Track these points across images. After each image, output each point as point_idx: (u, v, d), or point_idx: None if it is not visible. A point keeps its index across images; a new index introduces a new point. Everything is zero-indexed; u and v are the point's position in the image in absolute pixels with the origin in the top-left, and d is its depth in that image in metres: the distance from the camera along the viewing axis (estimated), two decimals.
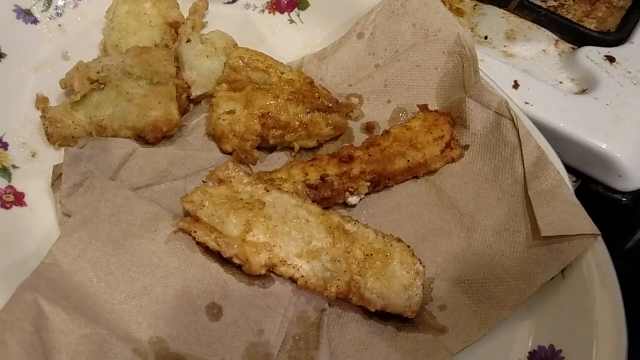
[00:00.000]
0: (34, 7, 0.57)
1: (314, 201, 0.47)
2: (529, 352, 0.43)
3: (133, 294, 0.41)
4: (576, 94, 0.58)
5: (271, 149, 0.53)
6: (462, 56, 0.53)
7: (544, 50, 0.61)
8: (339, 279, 0.44)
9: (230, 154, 0.52)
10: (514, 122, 0.50)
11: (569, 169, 0.56)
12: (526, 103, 0.55)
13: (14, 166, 0.49)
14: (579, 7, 0.66)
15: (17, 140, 0.51)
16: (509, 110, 0.50)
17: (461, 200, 0.50)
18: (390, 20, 0.55)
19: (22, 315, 0.37)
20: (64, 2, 0.58)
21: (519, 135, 0.50)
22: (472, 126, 0.52)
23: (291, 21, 0.61)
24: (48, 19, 0.58)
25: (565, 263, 0.44)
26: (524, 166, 0.49)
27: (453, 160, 0.52)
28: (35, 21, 0.57)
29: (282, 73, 0.54)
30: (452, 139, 0.52)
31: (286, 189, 0.47)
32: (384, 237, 0.45)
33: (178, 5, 0.58)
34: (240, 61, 0.53)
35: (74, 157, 0.47)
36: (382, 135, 0.52)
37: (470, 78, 0.52)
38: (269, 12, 0.61)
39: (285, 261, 0.44)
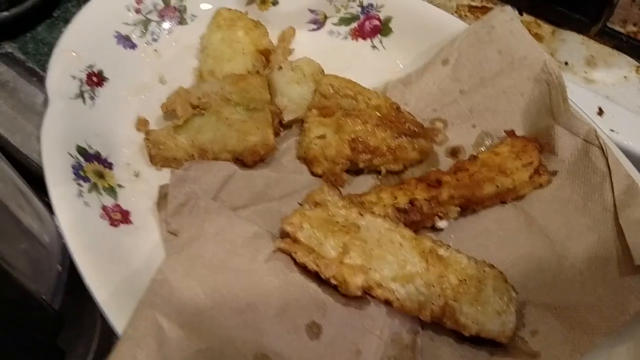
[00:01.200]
0: (133, 33, 0.60)
1: (404, 225, 0.49)
2: None
3: (238, 311, 0.44)
4: None
5: (358, 172, 0.55)
6: (549, 83, 0.54)
7: (625, 77, 0.61)
8: (433, 303, 0.45)
9: (320, 176, 0.54)
10: (603, 150, 0.50)
11: None
12: (612, 130, 0.55)
13: (119, 185, 0.52)
14: None
15: (121, 160, 0.54)
16: (598, 138, 0.51)
17: (551, 227, 0.51)
18: (476, 47, 0.57)
19: (146, 331, 0.39)
20: (159, 28, 0.62)
21: (608, 164, 0.50)
22: (560, 153, 0.53)
23: (374, 47, 0.63)
24: (145, 44, 0.61)
25: None
26: (613, 194, 0.49)
27: (541, 186, 0.53)
28: (133, 46, 0.60)
29: (369, 99, 0.56)
30: (541, 165, 0.53)
31: (377, 213, 0.49)
32: (476, 263, 0.47)
33: (268, 33, 0.61)
34: (330, 88, 0.55)
35: (180, 179, 0.49)
36: (469, 160, 0.53)
37: (559, 105, 0.52)
38: (352, 39, 0.63)
39: (381, 284, 0.45)
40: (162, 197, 0.50)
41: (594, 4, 0.62)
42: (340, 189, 0.53)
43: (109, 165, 0.53)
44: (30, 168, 0.57)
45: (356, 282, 0.45)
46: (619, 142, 0.54)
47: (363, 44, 0.63)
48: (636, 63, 0.62)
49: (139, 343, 0.38)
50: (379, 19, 0.62)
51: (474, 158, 0.53)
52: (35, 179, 0.50)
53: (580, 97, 0.57)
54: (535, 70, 0.55)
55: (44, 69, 0.57)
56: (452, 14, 0.66)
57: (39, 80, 0.62)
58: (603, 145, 0.50)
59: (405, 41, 0.62)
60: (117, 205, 0.51)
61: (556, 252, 0.49)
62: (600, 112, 0.56)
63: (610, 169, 0.50)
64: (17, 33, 0.66)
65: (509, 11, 0.56)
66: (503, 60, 0.56)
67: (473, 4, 0.67)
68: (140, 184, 0.53)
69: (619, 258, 0.47)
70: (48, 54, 0.57)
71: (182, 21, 0.63)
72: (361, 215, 0.47)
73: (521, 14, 0.66)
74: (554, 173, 0.53)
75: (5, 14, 0.63)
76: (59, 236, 0.49)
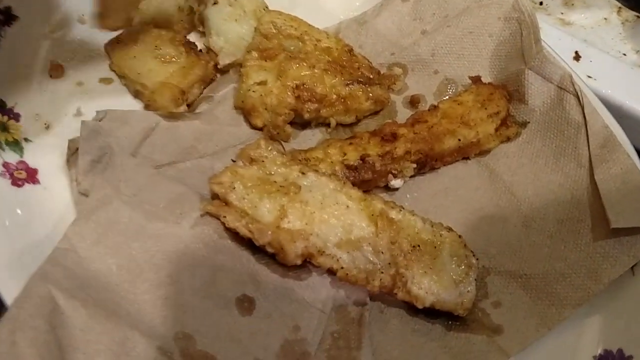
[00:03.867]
0: None
1: (353, 184, 0.43)
2: (595, 357, 0.39)
3: (158, 283, 0.37)
4: None
5: (305, 125, 0.49)
6: (521, 22, 0.48)
7: (605, 19, 0.55)
8: (382, 272, 0.39)
9: (260, 129, 0.47)
10: (578, 98, 0.45)
11: (637, 151, 0.51)
12: (589, 77, 0.49)
13: (26, 139, 0.45)
14: None
15: (30, 111, 0.47)
16: (573, 85, 0.45)
17: (518, 184, 0.45)
18: None
19: (35, 311, 0.33)
20: None
21: (584, 113, 0.44)
22: (531, 101, 0.47)
23: None
24: None
25: (638, 258, 0.39)
26: (589, 148, 0.44)
27: (509, 139, 0.47)
28: None
29: (318, 40, 0.49)
30: (508, 115, 0.47)
31: (323, 171, 0.43)
32: (432, 226, 0.41)
33: None
34: (272, 27, 0.48)
35: (92, 131, 0.42)
36: (429, 110, 0.47)
37: (531, 48, 0.46)
38: None
39: (324, 251, 0.39)
40: (72, 152, 0.43)
41: None
42: (283, 143, 0.47)
43: (15, 117, 0.46)
44: None
45: (295, 249, 0.39)
46: (597, 90, 0.49)
47: None
48: (617, 4, 0.56)
49: (22, 325, 0.32)
50: None
51: (434, 108, 0.47)
52: None
53: (555, 40, 0.51)
54: (505, 7, 0.48)
55: None
56: None
57: None
58: (579, 93, 0.45)
59: None
60: (22, 162, 0.44)
61: (522, 213, 0.44)
62: (577, 56, 0.50)
63: (586, 120, 0.44)
64: None
65: None
66: None
67: None
68: (51, 138, 0.46)
69: (593, 220, 0.42)
70: None
71: None
72: (303, 174, 0.41)
73: None
74: (524, 124, 0.48)
75: None
76: None
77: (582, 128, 0.44)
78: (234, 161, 0.42)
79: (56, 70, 0.49)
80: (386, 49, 0.51)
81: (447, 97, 0.50)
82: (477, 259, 0.40)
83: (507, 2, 0.48)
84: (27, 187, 0.43)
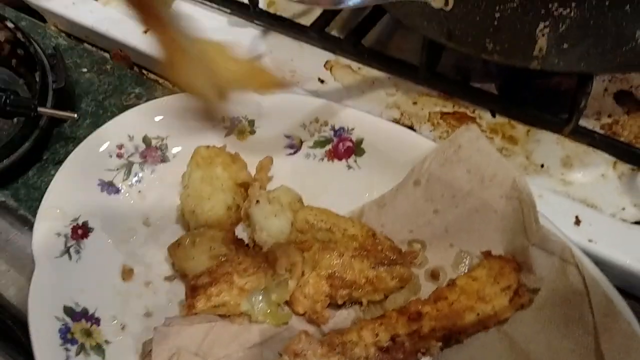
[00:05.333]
0: (116, 178, 0.63)
1: None
2: None
3: None
4: None
5: (340, 305, 0.56)
6: (521, 201, 0.54)
7: (602, 175, 0.61)
8: None
9: (302, 315, 0.54)
10: (578, 269, 0.50)
11: None
12: (590, 241, 0.55)
13: (106, 341, 0.54)
14: (635, 122, 0.66)
15: (107, 314, 0.55)
16: (574, 257, 0.51)
17: (534, 351, 0.50)
18: (445, 167, 0.57)
19: None
20: (142, 168, 0.64)
21: (585, 284, 0.50)
22: (538, 272, 0.53)
23: (349, 167, 0.64)
24: (129, 187, 0.63)
25: None
26: (593, 317, 0.49)
27: (523, 307, 0.52)
28: (117, 191, 0.63)
29: (345, 230, 0.57)
30: (520, 286, 0.53)
31: (358, 354, 0.49)
32: None
33: (246, 165, 0.63)
34: (305, 223, 0.56)
35: (163, 335, 0.50)
36: (448, 286, 0.54)
37: (532, 225, 0.53)
38: (328, 160, 0.65)
39: None
40: (147, 355, 0.51)
41: (564, 103, 0.63)
42: (323, 326, 0.54)
43: (97, 321, 0.55)
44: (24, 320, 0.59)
45: None
46: (598, 253, 0.54)
47: (339, 165, 0.64)
48: (612, 159, 0.62)
49: None
50: (351, 141, 0.64)
51: (452, 284, 0.53)
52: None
53: (556, 207, 0.57)
54: (506, 187, 0.55)
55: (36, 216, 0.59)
56: (425, 121, 0.68)
57: (31, 228, 0.64)
58: (578, 265, 0.50)
59: (379, 159, 0.63)
60: None
61: None
62: (578, 221, 0.56)
63: (588, 290, 0.49)
64: (9, 180, 0.69)
65: (474, 129, 0.57)
66: (473, 179, 0.56)
67: (445, 109, 0.68)
68: (126, 338, 0.54)
69: None
70: (39, 199, 0.60)
71: (164, 159, 0.65)
72: None
73: (494, 116, 0.67)
74: (535, 291, 0.53)
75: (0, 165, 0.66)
76: None
77: (585, 297, 0.49)
78: (280, 355, 0.49)
79: (127, 274, 0.58)
80: (405, 227, 0.58)
81: (464, 267, 0.56)
82: None
83: (507, 183, 0.55)
84: None
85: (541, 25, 0.49)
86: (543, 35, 0.50)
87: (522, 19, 0.49)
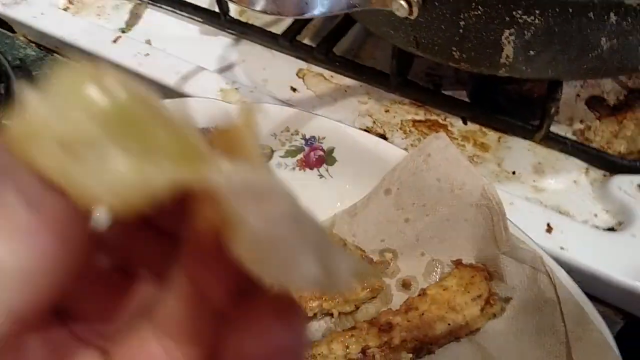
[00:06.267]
0: None
1: None
2: None
3: None
4: (612, 228, 0.57)
5: (311, 317, 0.55)
6: (490, 209, 0.54)
7: (574, 181, 0.61)
8: None
9: None
10: (550, 277, 0.50)
11: (614, 308, 0.55)
12: (561, 248, 0.54)
13: None
14: (607, 128, 0.66)
15: None
16: (544, 266, 0.50)
17: None
18: (415, 175, 0.57)
19: None
20: None
21: (557, 293, 0.49)
22: (509, 281, 0.52)
23: (321, 176, 0.63)
24: None
25: None
26: (565, 326, 0.48)
27: (495, 316, 0.52)
28: None
29: None
30: (491, 294, 0.52)
31: None
32: None
33: None
34: None
35: None
36: (418, 296, 0.53)
37: (501, 234, 0.52)
38: (300, 169, 0.64)
39: None
40: None
41: (535, 110, 0.63)
42: None
43: None
44: None
45: None
46: (570, 260, 0.54)
47: (310, 174, 0.64)
48: (584, 165, 0.62)
49: None
50: (322, 150, 0.63)
51: (423, 294, 0.53)
52: None
53: (527, 214, 0.57)
54: (475, 196, 0.55)
55: None
56: (397, 129, 0.67)
57: None
58: (550, 274, 0.50)
59: (350, 168, 0.62)
60: None
61: None
62: (549, 228, 0.56)
63: (559, 298, 0.49)
64: None
65: (443, 138, 0.57)
66: (443, 188, 0.56)
67: (417, 117, 0.68)
68: None
69: None
70: None
71: None
72: None
73: (465, 123, 0.67)
74: (507, 300, 0.52)
75: None
76: None
77: (557, 306, 0.49)
78: None
79: None
80: (376, 236, 0.58)
81: (435, 276, 0.55)
82: None
83: (476, 191, 0.55)
84: None
85: (506, 32, 0.49)
86: (509, 42, 0.50)
87: (487, 26, 0.49)
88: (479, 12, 0.48)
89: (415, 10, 0.48)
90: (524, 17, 0.47)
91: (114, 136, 0.15)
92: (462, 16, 0.49)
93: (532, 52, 0.51)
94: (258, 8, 0.48)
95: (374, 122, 0.69)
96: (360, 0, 0.49)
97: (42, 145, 0.15)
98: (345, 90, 0.72)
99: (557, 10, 0.45)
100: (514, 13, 0.47)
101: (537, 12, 0.46)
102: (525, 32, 0.48)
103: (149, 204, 0.15)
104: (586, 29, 0.47)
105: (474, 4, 0.47)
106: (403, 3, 0.48)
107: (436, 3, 0.49)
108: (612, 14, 0.45)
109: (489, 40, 0.51)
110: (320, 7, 0.48)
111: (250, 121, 0.18)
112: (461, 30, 0.51)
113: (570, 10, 0.45)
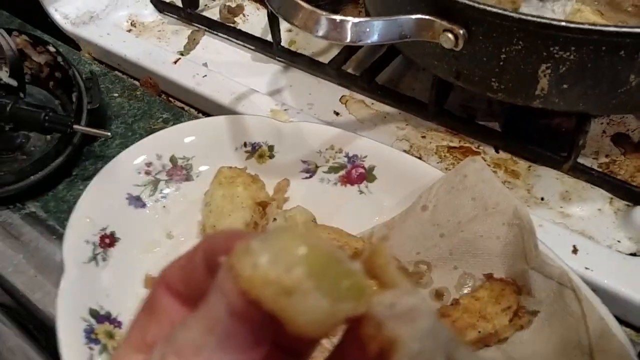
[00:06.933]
0: (143, 193, 0.67)
1: None
2: None
3: None
4: (635, 253, 0.61)
5: None
6: (521, 228, 0.58)
7: (599, 210, 0.65)
8: None
9: None
10: (575, 293, 0.54)
11: (635, 327, 0.58)
12: (586, 268, 0.58)
13: None
14: (631, 163, 0.70)
15: (128, 318, 0.59)
16: (571, 281, 0.54)
17: None
18: (451, 194, 0.62)
19: None
20: (168, 186, 0.68)
21: (582, 307, 0.53)
22: (537, 295, 0.56)
23: (361, 192, 0.68)
24: (154, 202, 0.67)
25: None
26: (589, 339, 0.52)
27: (522, 327, 0.56)
28: (143, 205, 0.67)
29: (355, 248, 0.60)
30: (520, 307, 0.56)
31: None
32: None
33: (264, 186, 0.67)
34: None
35: None
36: (452, 305, 0.57)
37: (531, 251, 0.56)
38: (342, 185, 0.69)
39: None
40: None
41: (564, 143, 0.68)
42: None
43: (119, 325, 0.58)
44: (49, 325, 0.62)
45: None
46: (594, 280, 0.57)
47: (351, 189, 0.69)
48: (609, 195, 0.66)
49: None
50: (364, 167, 0.68)
51: (456, 303, 0.57)
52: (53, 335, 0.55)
53: (555, 236, 0.61)
54: (507, 215, 0.59)
55: (64, 227, 0.63)
56: (433, 154, 0.72)
57: (59, 238, 0.68)
58: (575, 289, 0.54)
59: (389, 186, 0.67)
60: None
61: None
62: (575, 250, 0.60)
63: (584, 312, 0.53)
64: (40, 193, 0.73)
65: (480, 161, 0.62)
66: (477, 207, 0.60)
67: (451, 144, 0.73)
68: None
69: None
70: (67, 212, 0.64)
71: (188, 178, 0.69)
72: None
73: (497, 152, 0.71)
74: (535, 313, 0.56)
75: (31, 179, 0.71)
76: None
77: (581, 319, 0.52)
78: None
79: (150, 282, 0.61)
80: (412, 249, 0.62)
81: (467, 289, 0.59)
82: None
83: (508, 211, 0.59)
84: None
85: (543, 66, 0.54)
86: (545, 75, 0.55)
87: (526, 60, 0.54)
88: (520, 46, 0.53)
89: (461, 43, 0.54)
90: (560, 52, 0.52)
91: (315, 279, 0.21)
92: (503, 50, 0.54)
93: (565, 86, 0.56)
94: (320, 34, 0.54)
95: (411, 146, 0.74)
96: (411, 32, 0.55)
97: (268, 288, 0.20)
98: (385, 117, 0.78)
99: (591, 47, 0.51)
100: (551, 49, 0.52)
101: (573, 48, 0.51)
102: (560, 67, 0.54)
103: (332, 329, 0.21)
104: (617, 66, 0.52)
105: (515, 39, 0.53)
106: (450, 36, 0.54)
107: (480, 37, 0.54)
108: None
109: (526, 73, 0.56)
110: (376, 36, 0.54)
111: (385, 253, 0.24)
112: (501, 63, 0.56)
113: (604, 48, 0.50)
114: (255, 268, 0.20)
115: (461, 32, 0.53)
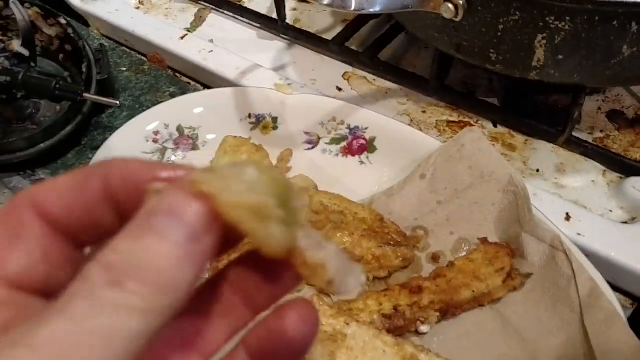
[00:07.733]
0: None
1: (389, 330, 0.54)
2: None
3: None
4: (626, 222, 0.63)
5: None
6: (516, 194, 0.60)
7: (593, 181, 0.67)
8: None
9: (313, 285, 0.59)
10: (567, 255, 0.56)
11: (625, 293, 0.60)
12: (579, 234, 0.60)
13: None
14: (624, 138, 0.72)
15: None
16: (562, 244, 0.56)
17: (524, 328, 0.55)
18: (449, 163, 0.64)
19: None
20: (175, 154, 0.70)
21: (572, 268, 0.55)
22: (530, 258, 0.58)
23: (362, 162, 0.70)
24: None
25: None
26: (579, 297, 0.54)
27: (515, 289, 0.58)
28: None
29: (356, 213, 0.62)
30: (512, 269, 0.58)
31: (363, 319, 0.54)
32: None
33: (268, 155, 0.69)
34: (320, 205, 0.62)
35: None
36: (447, 266, 0.59)
37: (525, 215, 0.58)
38: (343, 156, 0.71)
39: None
40: None
41: (559, 117, 0.70)
42: (332, 296, 0.59)
43: None
44: None
45: None
46: (585, 245, 0.59)
47: (352, 160, 0.71)
48: (602, 168, 0.68)
49: None
50: (364, 139, 0.70)
51: (451, 264, 0.59)
52: None
53: (549, 204, 0.63)
54: (503, 183, 0.61)
55: None
56: (432, 128, 0.74)
57: None
58: (567, 252, 0.56)
59: (389, 157, 0.69)
60: None
61: (529, 352, 0.53)
62: (568, 217, 0.62)
63: (574, 273, 0.55)
64: (50, 161, 0.75)
65: (477, 131, 0.64)
66: (473, 175, 0.62)
67: (451, 119, 0.75)
68: None
69: (586, 358, 0.51)
70: None
71: (194, 147, 0.72)
72: (347, 324, 0.53)
73: (495, 126, 0.73)
74: (527, 275, 0.58)
75: (41, 146, 0.73)
76: None
77: (572, 280, 0.55)
78: None
79: None
80: (410, 215, 0.64)
81: (462, 253, 0.61)
82: None
83: (504, 178, 0.61)
84: None
85: (539, 37, 0.56)
86: (541, 46, 0.57)
87: (523, 31, 0.56)
88: (517, 16, 0.55)
89: (461, 13, 0.56)
90: (556, 22, 0.54)
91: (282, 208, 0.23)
92: (501, 20, 0.56)
93: (560, 57, 0.58)
94: (326, 2, 0.56)
95: (411, 120, 0.76)
96: (413, 2, 0.57)
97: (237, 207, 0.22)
98: (386, 92, 0.80)
99: (585, 17, 0.53)
100: (547, 19, 0.54)
101: (568, 18, 0.53)
102: (556, 37, 0.55)
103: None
104: (610, 36, 0.54)
105: (512, 9, 0.55)
106: (451, 6, 0.56)
107: (479, 7, 0.56)
108: (634, 24, 0.52)
109: (524, 44, 0.58)
110: (379, 6, 0.56)
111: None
112: (499, 34, 0.58)
113: (597, 18, 0.52)
114: (234, 193, 0.21)
115: (461, 2, 0.55)
